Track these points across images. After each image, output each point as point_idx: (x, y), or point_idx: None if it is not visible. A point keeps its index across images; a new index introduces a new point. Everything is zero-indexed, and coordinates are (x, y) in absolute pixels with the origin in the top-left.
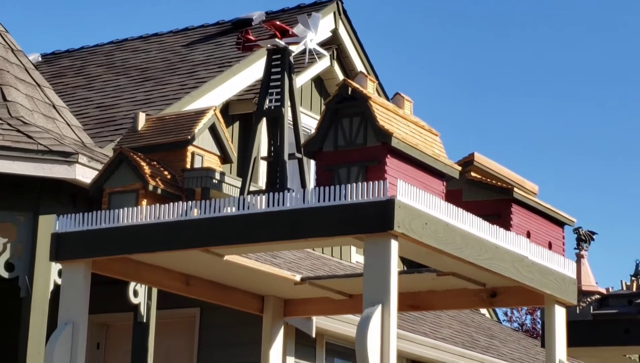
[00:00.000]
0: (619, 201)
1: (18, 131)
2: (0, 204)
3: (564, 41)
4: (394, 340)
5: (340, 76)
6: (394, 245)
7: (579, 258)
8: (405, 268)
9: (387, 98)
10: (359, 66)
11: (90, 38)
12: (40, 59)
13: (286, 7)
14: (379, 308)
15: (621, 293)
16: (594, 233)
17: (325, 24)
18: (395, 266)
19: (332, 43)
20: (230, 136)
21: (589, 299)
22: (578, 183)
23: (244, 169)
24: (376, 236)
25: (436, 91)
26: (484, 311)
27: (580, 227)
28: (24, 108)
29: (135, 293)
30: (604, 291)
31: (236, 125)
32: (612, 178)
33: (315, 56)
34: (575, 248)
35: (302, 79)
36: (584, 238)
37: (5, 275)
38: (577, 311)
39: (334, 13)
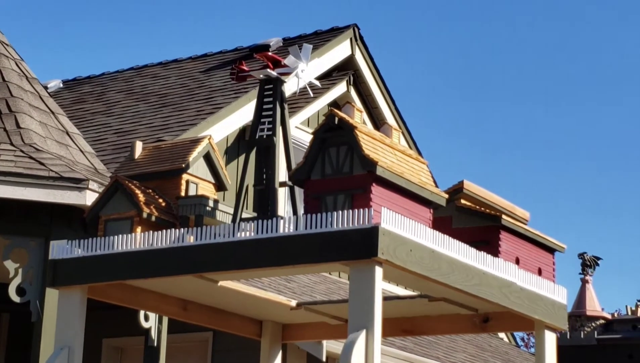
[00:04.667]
0: (625, 226)
1: (30, 157)
2: (12, 229)
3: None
4: None
5: (357, 101)
6: (379, 271)
7: (583, 283)
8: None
9: (403, 122)
10: (375, 91)
11: (112, 64)
12: (61, 85)
13: (303, 33)
14: (363, 334)
15: (626, 318)
16: (598, 258)
17: (342, 50)
18: (379, 292)
19: (349, 68)
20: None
21: (593, 324)
22: (586, 207)
23: (243, 195)
24: (361, 262)
25: (451, 110)
26: (502, 335)
27: (585, 252)
28: (37, 135)
29: (147, 317)
30: (609, 316)
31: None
32: (621, 202)
33: (308, 89)
34: (580, 273)
35: (319, 104)
36: (588, 263)
37: (17, 299)
38: (582, 336)
39: (351, 39)
